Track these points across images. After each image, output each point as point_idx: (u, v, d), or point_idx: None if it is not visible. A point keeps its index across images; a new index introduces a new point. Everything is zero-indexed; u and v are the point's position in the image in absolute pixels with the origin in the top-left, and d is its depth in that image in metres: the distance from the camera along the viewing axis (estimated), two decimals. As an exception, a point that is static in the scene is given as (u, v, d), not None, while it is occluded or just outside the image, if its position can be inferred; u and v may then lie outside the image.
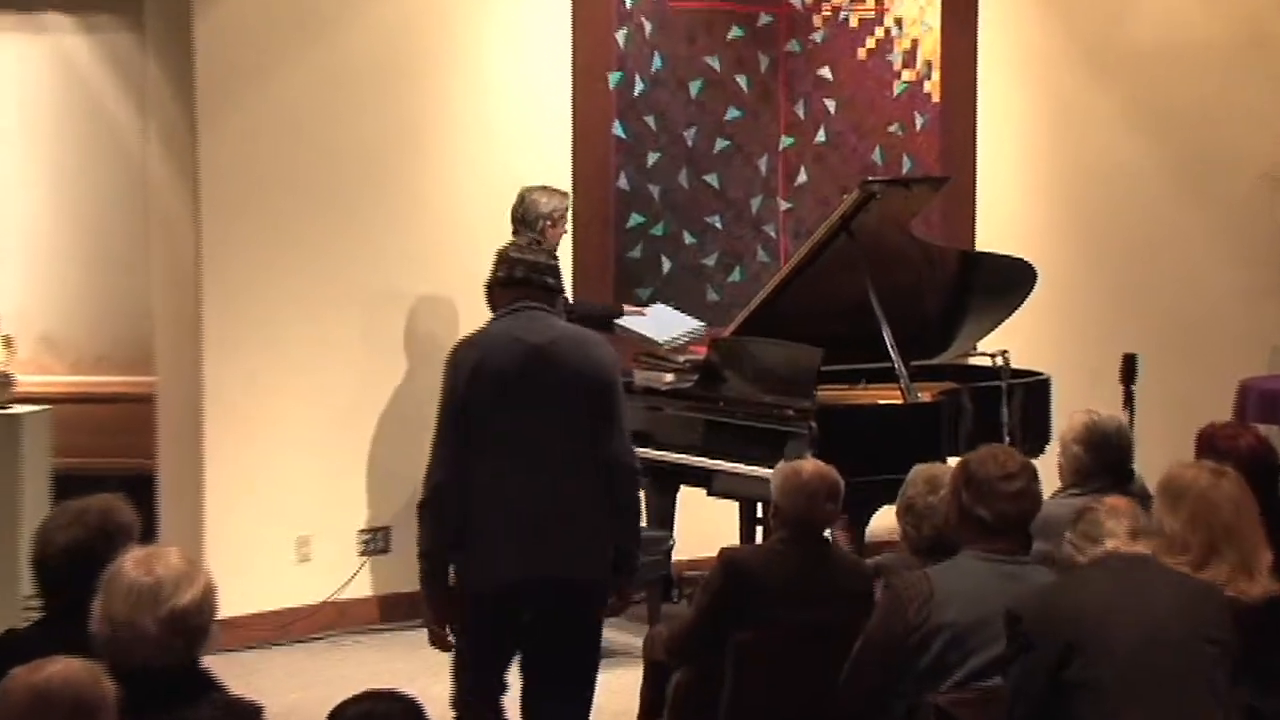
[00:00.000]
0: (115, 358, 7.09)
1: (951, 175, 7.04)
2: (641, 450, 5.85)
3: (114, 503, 3.40)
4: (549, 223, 6.16)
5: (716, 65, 7.15)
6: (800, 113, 7.35)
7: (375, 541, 6.48)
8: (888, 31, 7.47)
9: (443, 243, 6.50)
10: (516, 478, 4.07)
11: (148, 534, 3.66)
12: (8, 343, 6.32)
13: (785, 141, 7.34)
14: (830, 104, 7.40)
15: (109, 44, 6.98)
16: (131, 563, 2.84)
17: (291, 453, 6.29)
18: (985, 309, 6.30)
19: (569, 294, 6.37)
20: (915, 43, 7.51)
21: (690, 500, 6.21)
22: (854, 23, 7.42)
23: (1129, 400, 6.08)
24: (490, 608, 4.11)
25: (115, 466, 6.42)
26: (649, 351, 6.28)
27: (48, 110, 7.17)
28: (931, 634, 3.45)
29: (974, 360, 6.40)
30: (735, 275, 7.25)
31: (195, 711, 2.80)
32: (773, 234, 7.34)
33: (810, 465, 4.22)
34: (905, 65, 7.51)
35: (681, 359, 6.26)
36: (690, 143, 7.12)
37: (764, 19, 7.24)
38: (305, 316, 6.30)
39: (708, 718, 4.06)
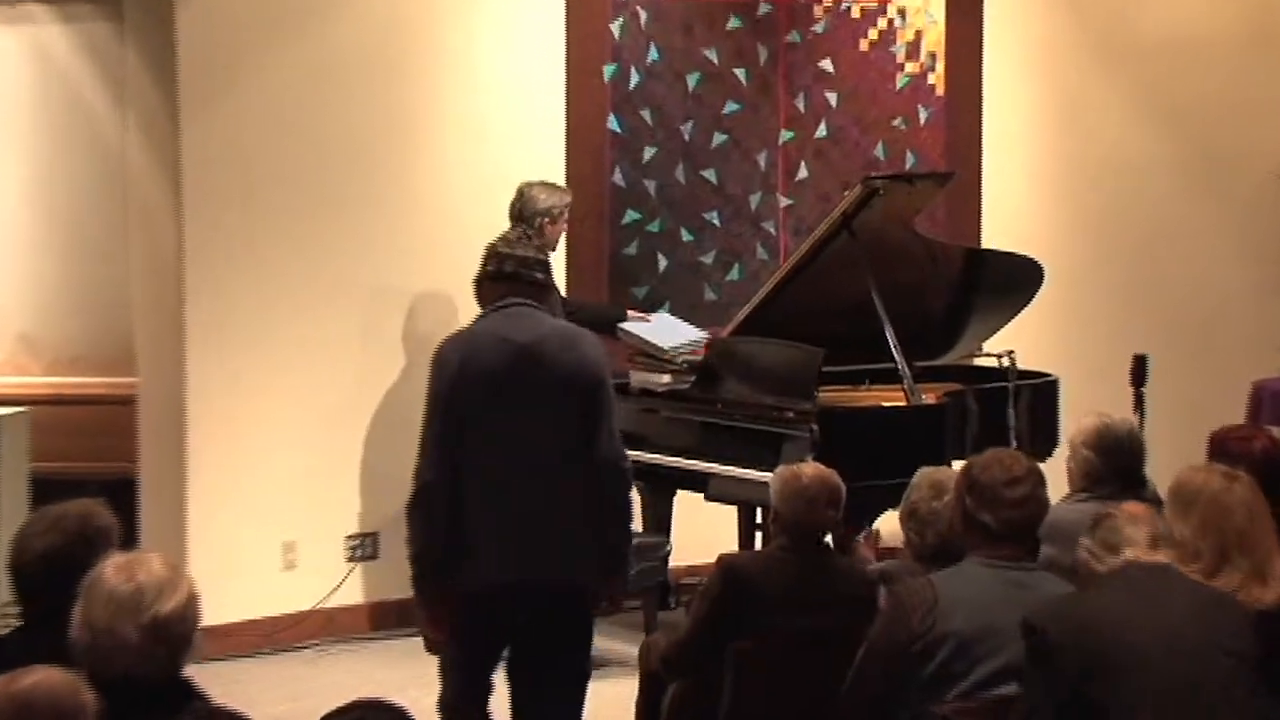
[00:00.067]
0: (94, 358, 7.07)
1: (956, 170, 7.04)
2: (638, 453, 5.89)
3: (93, 508, 3.40)
4: (548, 219, 6.16)
5: (714, 57, 7.15)
6: (801, 106, 7.35)
7: (364, 547, 6.48)
8: (891, 22, 7.48)
9: (434, 238, 6.50)
10: (504, 478, 4.09)
11: (129, 540, 3.65)
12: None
13: (785, 136, 7.34)
14: (832, 97, 7.40)
15: (87, 33, 6.97)
16: (112, 569, 2.84)
17: (277, 455, 6.29)
18: (991, 308, 6.30)
19: (564, 293, 6.40)
20: (919, 34, 7.51)
21: (688, 505, 6.21)
22: (856, 13, 7.42)
23: (1139, 403, 6.07)
24: (478, 609, 4.13)
25: (95, 470, 6.40)
26: (645, 352, 6.28)
27: (24, 101, 7.15)
28: (937, 642, 3.45)
29: (979, 361, 6.41)
30: (734, 273, 7.25)
31: (178, 722, 2.80)
32: (772, 231, 7.34)
33: (811, 469, 4.22)
34: (909, 57, 7.51)
35: (679, 360, 6.26)
36: (687, 137, 7.12)
37: (763, 9, 7.25)
38: (291, 314, 6.30)
39: (706, 729, 4.06)
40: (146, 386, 6.32)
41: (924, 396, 5.75)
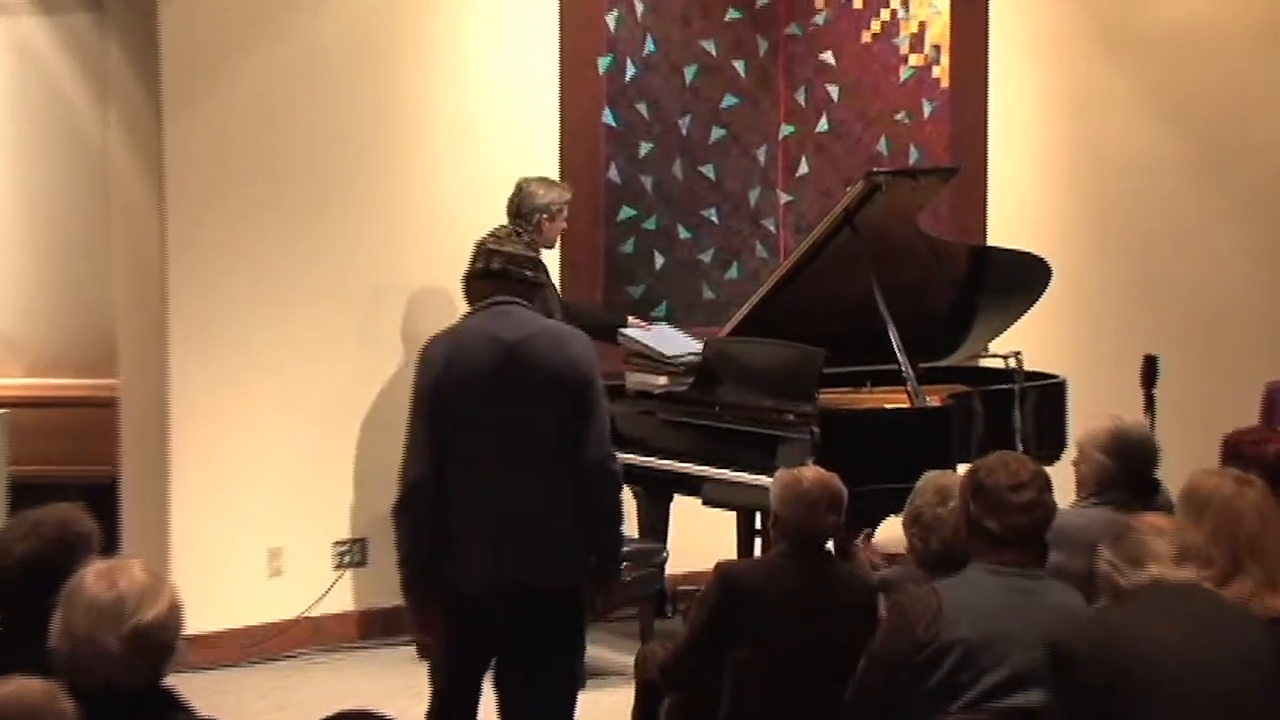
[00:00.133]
0: (75, 358, 7.06)
1: (961, 165, 7.05)
2: (634, 457, 5.90)
3: (73, 513, 3.41)
4: (546, 216, 6.17)
5: (713, 49, 7.16)
6: (801, 100, 7.35)
7: (352, 553, 6.48)
8: (894, 14, 7.48)
9: (425, 236, 6.50)
10: (495, 478, 4.11)
11: (110, 545, 3.66)
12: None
13: (785, 130, 7.34)
14: (833, 90, 7.40)
15: (67, 26, 6.97)
16: (93, 576, 2.84)
17: (263, 458, 6.28)
18: (997, 307, 6.30)
19: (560, 292, 6.40)
20: (923, 25, 7.52)
21: (685, 511, 6.21)
22: (858, 4, 7.43)
23: (1150, 405, 6.07)
24: (465, 611, 4.14)
25: (75, 474, 6.39)
26: (641, 353, 6.28)
27: (2, 96, 7.15)
28: (942, 652, 3.45)
29: (985, 362, 6.41)
30: (732, 272, 7.25)
31: (160, 733, 2.80)
32: (772, 228, 7.34)
33: (812, 473, 4.22)
34: (912, 49, 7.52)
35: (677, 362, 6.26)
36: (685, 131, 7.12)
37: (762, 0, 7.25)
38: (277, 314, 6.30)
39: (704, 740, 4.06)
40: (128, 387, 6.31)
41: (928, 399, 5.75)
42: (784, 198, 7.35)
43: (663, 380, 6.15)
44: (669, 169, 7.10)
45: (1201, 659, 3.14)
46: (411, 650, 5.95)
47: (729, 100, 7.20)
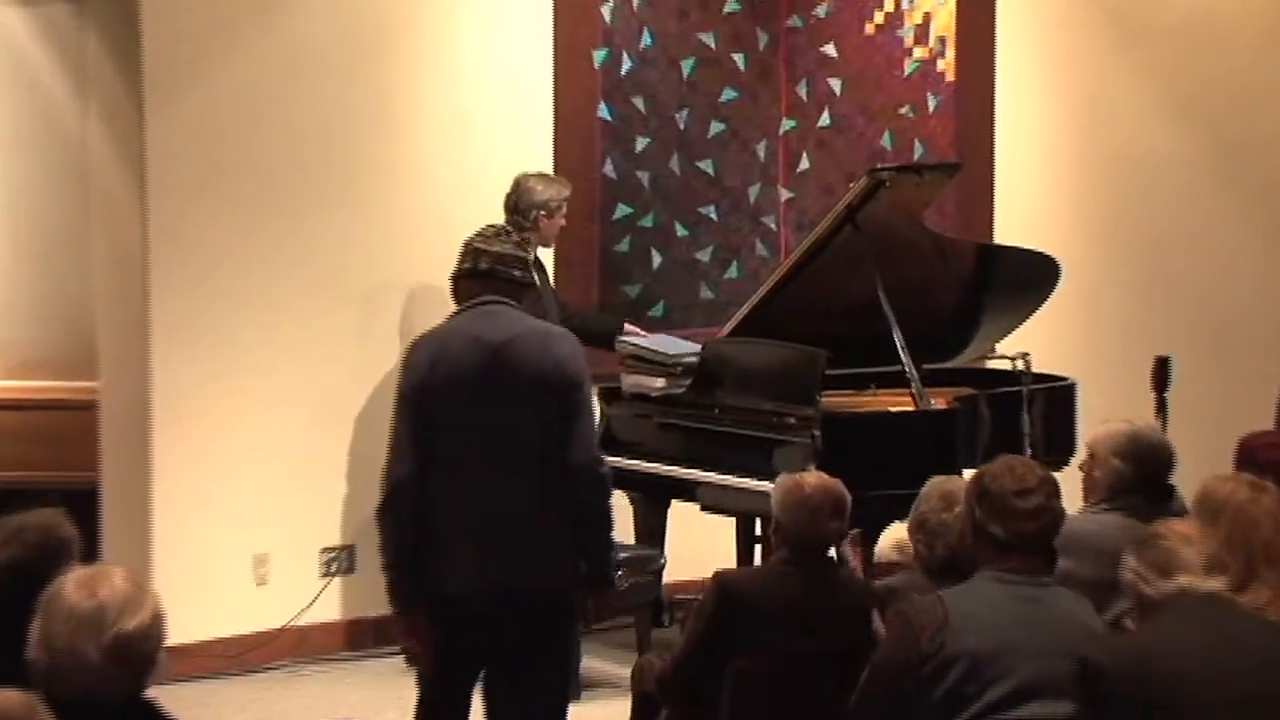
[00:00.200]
0: (54, 360, 7.06)
1: (967, 161, 7.05)
2: (631, 462, 5.91)
3: (56, 518, 3.41)
4: (544, 213, 6.17)
5: (711, 42, 7.16)
6: (802, 93, 7.36)
7: (340, 561, 6.48)
8: (898, 5, 7.49)
9: (416, 234, 6.50)
10: (481, 481, 4.12)
11: (90, 553, 3.66)
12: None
13: (786, 125, 7.34)
14: (835, 84, 7.41)
15: (46, 16, 6.97)
16: (73, 584, 2.83)
17: (248, 463, 6.28)
18: (1004, 307, 6.31)
19: (556, 291, 6.41)
20: (928, 17, 7.52)
21: (682, 516, 6.21)
22: (861, -5, 7.44)
23: (1161, 408, 6.08)
24: (451, 614, 4.14)
25: (55, 479, 6.39)
26: (637, 355, 6.27)
27: (-21, 89, 7.16)
28: (948, 663, 3.45)
29: (992, 363, 6.41)
30: (732, 271, 7.25)
31: (142, 747, 2.80)
32: (772, 226, 7.34)
33: (814, 478, 4.22)
34: (917, 41, 7.52)
35: (675, 363, 6.26)
36: (682, 126, 7.12)
37: (763, -9, 7.26)
38: (262, 313, 6.30)
39: (702, 753, 4.07)
40: (109, 390, 6.31)
41: (933, 401, 5.75)
42: (785, 194, 7.35)
43: (660, 382, 6.14)
44: (666, 165, 7.10)
45: (1220, 665, 3.14)
46: (401, 662, 5.94)
47: (728, 94, 7.20)
